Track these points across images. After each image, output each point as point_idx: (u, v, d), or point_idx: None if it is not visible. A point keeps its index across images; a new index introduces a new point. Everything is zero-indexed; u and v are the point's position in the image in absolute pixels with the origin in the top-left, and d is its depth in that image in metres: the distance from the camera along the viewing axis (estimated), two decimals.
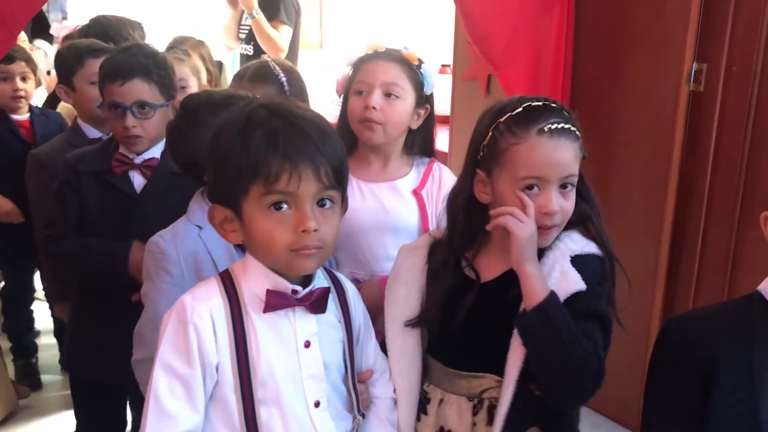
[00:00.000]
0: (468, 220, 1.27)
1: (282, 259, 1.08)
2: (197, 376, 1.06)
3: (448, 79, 3.08)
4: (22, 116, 2.60)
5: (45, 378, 2.81)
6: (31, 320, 2.94)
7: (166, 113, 1.74)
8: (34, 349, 2.87)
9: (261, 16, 3.53)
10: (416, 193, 1.68)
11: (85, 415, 1.95)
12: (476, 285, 1.24)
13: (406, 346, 1.29)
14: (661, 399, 1.16)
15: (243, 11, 3.60)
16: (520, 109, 1.19)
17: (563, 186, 1.18)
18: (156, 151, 1.76)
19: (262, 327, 1.10)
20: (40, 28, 3.31)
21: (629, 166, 2.34)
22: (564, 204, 1.18)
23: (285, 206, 1.06)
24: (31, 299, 2.93)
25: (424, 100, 1.68)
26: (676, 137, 2.21)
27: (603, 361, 1.12)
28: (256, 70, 1.85)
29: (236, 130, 1.07)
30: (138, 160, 1.75)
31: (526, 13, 2.26)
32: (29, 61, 2.57)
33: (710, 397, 1.07)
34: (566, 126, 1.17)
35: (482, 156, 1.23)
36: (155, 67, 1.74)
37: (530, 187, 1.17)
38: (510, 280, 1.19)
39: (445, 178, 1.69)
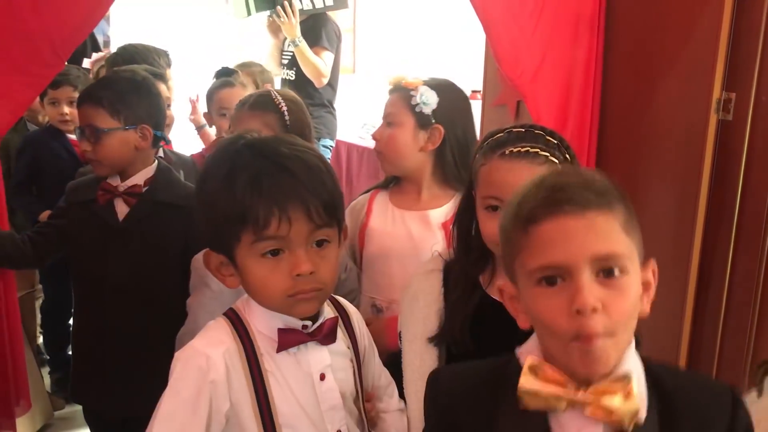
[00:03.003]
0: (475, 241, 1.31)
1: (280, 305, 1.06)
2: (198, 424, 1.03)
3: (477, 105, 3.12)
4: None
5: None
6: (69, 334, 2.99)
7: (124, 137, 1.74)
8: (69, 362, 2.94)
9: (303, 44, 3.62)
10: (445, 226, 1.68)
11: None
12: (501, 307, 1.26)
13: (424, 367, 1.32)
14: None
15: (285, 38, 3.69)
16: (502, 134, 1.24)
17: None
18: (139, 178, 1.78)
19: (278, 366, 1.09)
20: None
21: (657, 195, 2.33)
22: None
23: (278, 252, 1.03)
24: (70, 314, 3.01)
25: (428, 121, 1.69)
26: (705, 166, 2.20)
27: None
28: (257, 99, 1.90)
29: (221, 174, 1.05)
30: (121, 188, 1.76)
31: (556, 41, 2.29)
32: (76, 86, 2.66)
33: None
34: (531, 150, 1.20)
35: (472, 178, 1.30)
36: (109, 93, 1.74)
37: (494, 208, 1.22)
38: None
39: None
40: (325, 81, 3.78)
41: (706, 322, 2.29)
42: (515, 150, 1.20)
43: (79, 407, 2.79)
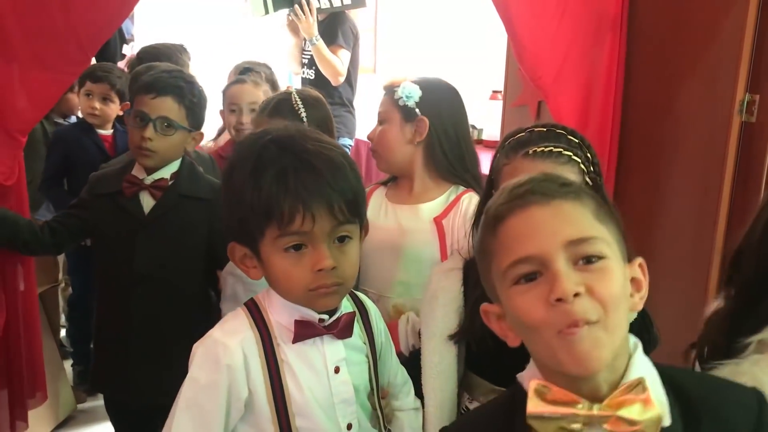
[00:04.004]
0: None
1: (302, 299, 1.08)
2: (218, 412, 1.06)
3: (498, 105, 3.12)
4: (107, 131, 2.79)
5: None
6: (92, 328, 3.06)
7: (184, 138, 1.80)
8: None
9: (321, 43, 3.64)
10: (437, 221, 1.70)
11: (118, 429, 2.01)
12: None
13: (442, 364, 1.32)
14: None
15: (305, 38, 3.71)
16: (523, 133, 1.24)
17: None
18: (166, 172, 1.81)
19: (293, 357, 1.11)
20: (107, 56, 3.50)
21: (678, 197, 2.32)
22: None
23: (301, 246, 1.05)
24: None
25: (412, 113, 1.72)
26: (727, 168, 2.18)
27: None
28: (276, 105, 1.92)
29: (248, 169, 1.06)
30: (148, 181, 1.79)
31: (578, 42, 2.28)
32: (114, 85, 2.71)
33: None
34: (555, 150, 1.20)
35: (493, 177, 1.29)
36: (189, 93, 1.80)
37: None
38: None
39: (472, 210, 1.67)
40: (342, 79, 3.80)
41: None
42: (539, 150, 1.20)
43: (102, 400, 2.86)
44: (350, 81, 3.93)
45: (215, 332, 1.11)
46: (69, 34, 1.69)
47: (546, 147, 1.20)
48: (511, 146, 1.25)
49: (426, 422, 1.32)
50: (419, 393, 1.35)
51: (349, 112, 4.01)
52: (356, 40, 3.91)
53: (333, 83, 3.76)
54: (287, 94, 1.97)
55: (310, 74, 3.88)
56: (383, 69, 5.09)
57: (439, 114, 1.73)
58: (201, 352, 1.09)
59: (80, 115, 2.95)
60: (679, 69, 2.28)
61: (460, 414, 1.35)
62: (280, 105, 1.92)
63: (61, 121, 3.07)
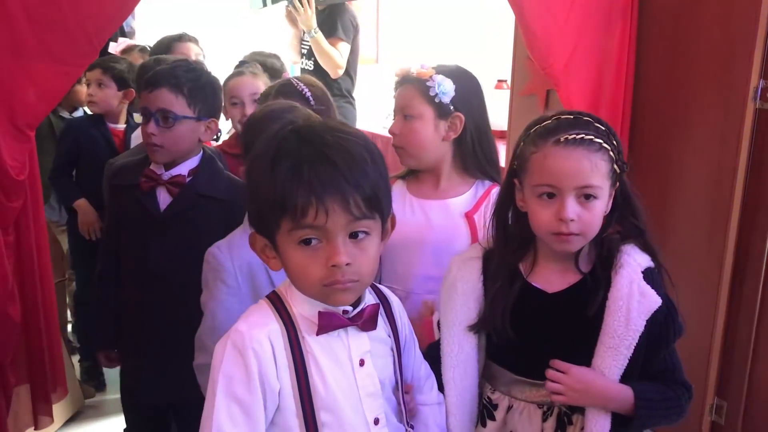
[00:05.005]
0: (515, 229, 1.30)
1: (316, 293, 1.06)
2: (258, 403, 1.04)
3: (505, 94, 3.09)
4: (119, 125, 2.76)
5: (109, 379, 2.91)
6: None
7: (194, 128, 1.75)
8: None
9: (319, 35, 3.61)
10: (468, 216, 1.66)
11: (131, 425, 2.02)
12: (544, 295, 1.26)
13: (462, 354, 1.32)
14: None
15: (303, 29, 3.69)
16: (550, 121, 1.23)
17: (585, 196, 1.20)
18: (183, 168, 1.77)
19: (318, 350, 1.09)
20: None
21: (692, 184, 2.31)
22: (583, 213, 1.20)
23: (315, 240, 1.02)
24: None
25: (447, 110, 1.65)
26: (741, 155, 2.17)
27: (689, 385, 1.24)
28: (279, 89, 1.88)
29: (267, 158, 1.04)
30: (165, 176, 1.75)
31: (588, 29, 2.26)
32: (107, 69, 2.68)
33: None
34: (586, 137, 1.19)
35: (516, 166, 1.27)
36: (189, 80, 1.74)
37: (549, 195, 1.21)
38: (578, 293, 1.21)
39: None
40: (341, 72, 3.77)
41: (742, 309, 2.27)
42: (569, 137, 1.19)
43: (109, 395, 2.86)
44: (350, 73, 3.90)
45: (240, 325, 1.09)
46: (77, 26, 1.67)
47: (577, 134, 1.19)
48: (538, 134, 1.23)
49: (447, 413, 1.31)
50: (440, 388, 1.34)
51: (349, 103, 3.99)
52: (356, 32, 3.88)
53: (332, 76, 3.73)
54: (286, 80, 1.95)
55: (309, 65, 3.86)
56: (385, 59, 5.07)
57: (470, 108, 1.67)
58: (229, 345, 1.07)
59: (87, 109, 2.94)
60: (691, 55, 2.26)
61: (481, 405, 1.34)
62: (283, 89, 1.89)
63: (67, 115, 3.05)
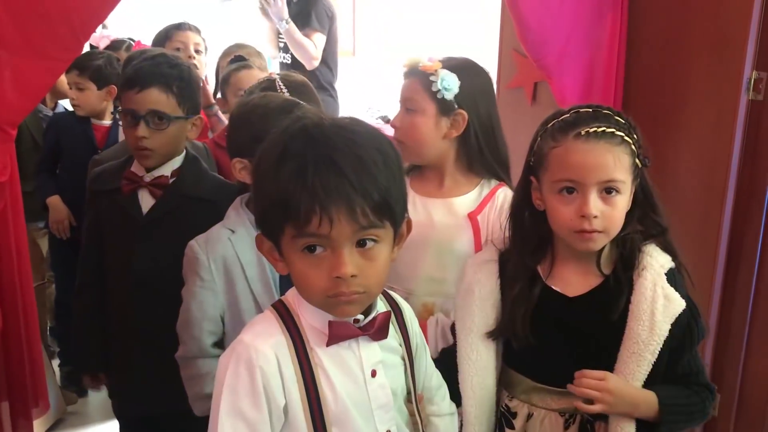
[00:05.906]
0: (532, 230, 1.26)
1: (320, 304, 1.01)
2: (264, 420, 1.00)
3: None
4: (104, 122, 2.68)
5: None
6: None
7: (183, 128, 1.68)
8: None
9: (292, 26, 3.54)
10: (472, 217, 1.61)
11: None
12: (564, 299, 1.23)
13: (480, 361, 1.28)
14: None
15: None
16: (567, 114, 1.20)
17: (607, 191, 1.16)
18: (166, 169, 1.70)
19: (328, 361, 1.04)
20: None
21: (685, 175, 2.30)
22: (606, 209, 1.17)
23: (319, 248, 0.96)
24: None
25: (450, 107, 1.59)
26: (734, 147, 2.17)
27: (712, 387, 1.22)
28: (264, 90, 1.80)
29: (273, 157, 0.98)
30: (147, 178, 1.68)
31: (581, 20, 2.24)
32: (83, 69, 2.58)
33: None
34: (608, 130, 1.15)
35: (533, 162, 1.22)
36: (176, 79, 1.66)
37: (570, 191, 1.17)
38: (601, 296, 1.18)
39: (507, 206, 1.57)
40: (316, 63, 3.70)
41: (736, 299, 2.27)
42: (591, 130, 1.15)
43: (92, 402, 2.77)
44: (329, 63, 3.83)
45: (245, 336, 1.03)
46: (61, 18, 1.58)
47: (599, 127, 1.15)
48: (557, 128, 1.19)
49: (465, 422, 1.27)
50: (451, 394, 1.29)
51: (331, 96, 3.92)
52: (332, 22, 3.81)
53: (307, 67, 3.65)
54: (270, 80, 1.86)
55: (287, 58, 3.79)
56: (363, 51, 5.01)
57: (476, 106, 1.61)
58: (234, 359, 1.01)
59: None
60: (684, 47, 2.25)
61: (498, 413, 1.30)
62: (264, 90, 1.82)
63: (49, 113, 2.94)
